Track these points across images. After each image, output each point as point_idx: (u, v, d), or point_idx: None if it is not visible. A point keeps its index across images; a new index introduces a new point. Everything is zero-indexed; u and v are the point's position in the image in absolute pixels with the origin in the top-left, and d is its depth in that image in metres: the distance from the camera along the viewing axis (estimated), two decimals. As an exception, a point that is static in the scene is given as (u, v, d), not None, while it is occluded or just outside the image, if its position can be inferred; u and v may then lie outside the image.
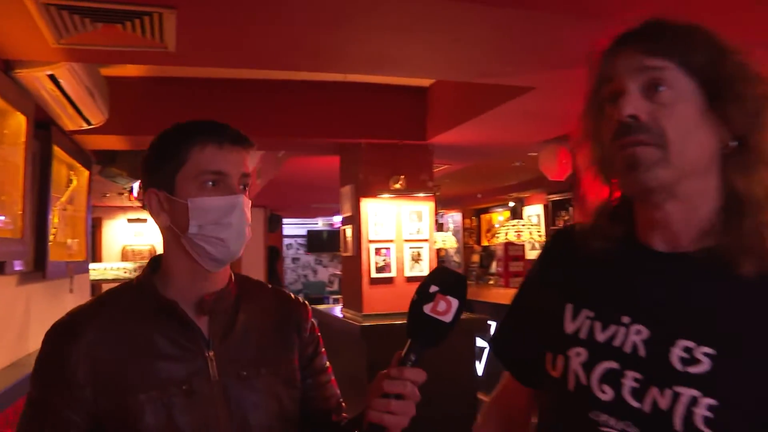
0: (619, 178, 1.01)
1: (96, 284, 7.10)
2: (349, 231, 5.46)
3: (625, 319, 0.97)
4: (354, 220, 5.32)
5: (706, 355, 0.89)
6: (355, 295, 5.30)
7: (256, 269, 9.24)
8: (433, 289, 1.05)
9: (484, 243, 11.14)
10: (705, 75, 0.93)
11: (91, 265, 5.55)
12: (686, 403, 0.88)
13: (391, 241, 5.21)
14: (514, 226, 8.49)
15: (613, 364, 0.96)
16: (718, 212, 0.96)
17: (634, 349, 0.95)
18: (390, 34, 2.86)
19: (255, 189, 8.12)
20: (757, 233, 0.92)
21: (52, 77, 3.06)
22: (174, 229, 1.19)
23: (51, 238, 3.67)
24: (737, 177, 0.94)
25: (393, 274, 5.16)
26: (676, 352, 0.91)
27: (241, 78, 4.73)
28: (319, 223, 16.39)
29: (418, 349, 1.06)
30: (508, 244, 8.88)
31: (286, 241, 15.69)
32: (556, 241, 1.21)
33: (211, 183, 1.16)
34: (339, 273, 13.48)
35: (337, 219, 13.75)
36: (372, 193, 5.18)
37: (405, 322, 1.07)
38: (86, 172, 4.75)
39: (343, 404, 1.39)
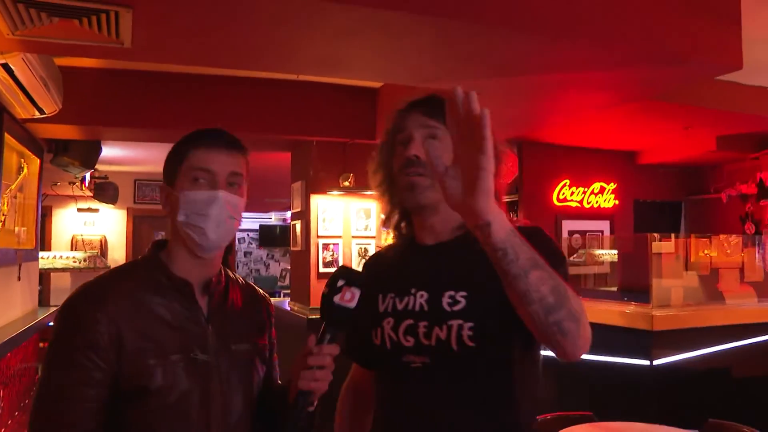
0: (403, 196, 1.49)
1: (45, 273, 7.06)
2: (298, 226, 5.58)
3: (413, 290, 1.45)
4: (304, 215, 5.45)
5: (462, 297, 1.38)
6: (303, 289, 5.43)
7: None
8: (340, 283, 1.32)
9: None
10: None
11: (40, 254, 5.55)
12: (456, 330, 1.35)
13: (339, 237, 5.36)
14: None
15: (410, 321, 1.42)
16: None
17: (421, 307, 1.42)
18: (336, 38, 2.99)
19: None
20: None
21: (5, 66, 3.11)
22: (174, 218, 1.39)
23: (0, 225, 3.71)
24: None
25: (340, 268, 5.29)
26: (445, 300, 1.39)
27: (196, 73, 4.81)
28: (272, 218, 16.37)
29: (332, 331, 1.33)
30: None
31: (238, 234, 15.66)
32: (367, 264, 1.71)
33: (200, 179, 1.36)
34: (290, 268, 13.52)
35: (289, 214, 13.78)
36: (322, 189, 5.32)
37: None
38: (37, 161, 4.77)
39: None
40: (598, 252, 6.74)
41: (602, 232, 7.18)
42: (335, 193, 5.32)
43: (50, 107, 3.92)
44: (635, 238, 6.76)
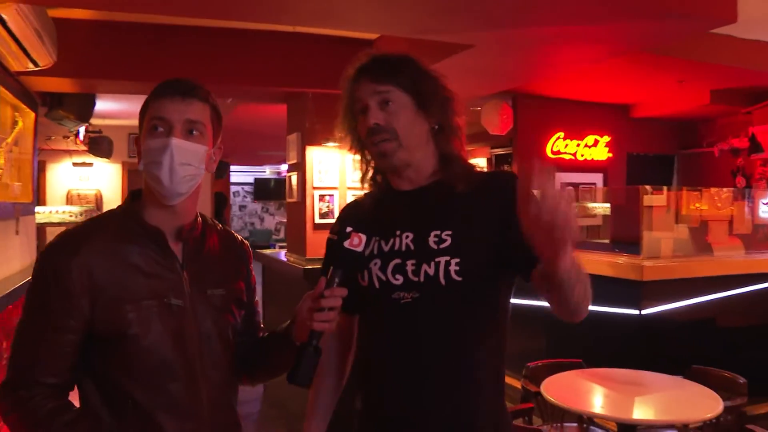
0: (375, 162, 1.60)
1: (41, 227, 7.09)
2: (294, 178, 5.61)
3: (398, 232, 1.53)
4: (299, 167, 5.48)
5: (448, 235, 1.48)
6: (299, 240, 5.49)
7: (202, 215, 9.13)
8: (349, 229, 1.41)
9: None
10: (413, 90, 1.52)
11: (36, 208, 5.57)
12: (444, 265, 1.46)
13: (335, 188, 5.39)
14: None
15: (398, 260, 1.51)
16: (438, 162, 1.58)
17: (407, 247, 1.51)
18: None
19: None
20: (461, 169, 1.56)
21: (-1, 17, 3.10)
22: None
23: (-3, 178, 3.73)
24: (442, 144, 1.57)
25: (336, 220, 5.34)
26: (431, 239, 1.49)
27: (191, 25, 4.77)
28: (267, 171, 16.36)
29: (341, 275, 1.39)
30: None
31: (233, 188, 15.67)
32: (344, 211, 1.77)
33: (158, 128, 1.37)
34: (285, 221, 13.59)
35: (284, 167, 13.78)
36: (317, 141, 5.34)
37: None
38: (32, 114, 4.76)
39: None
40: (590, 205, 6.81)
41: (595, 184, 7.23)
42: (331, 144, 5.33)
43: (44, 60, 3.90)
44: (627, 190, 6.82)
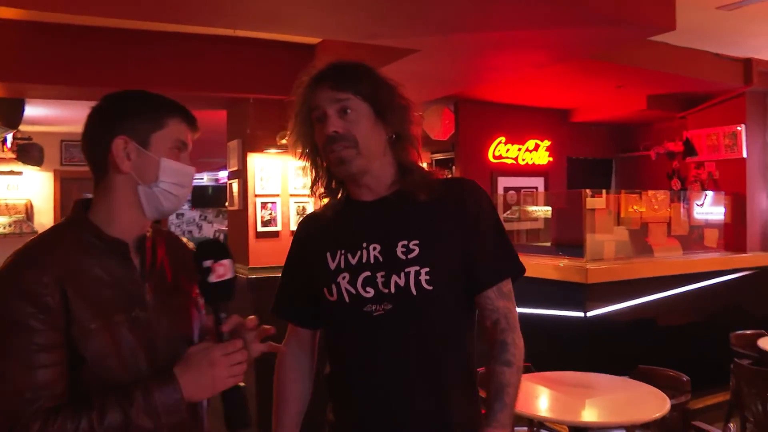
0: (333, 169, 1.57)
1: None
2: (235, 185, 5.49)
3: (364, 245, 1.52)
4: (241, 174, 5.36)
5: (415, 245, 1.49)
6: (241, 249, 5.37)
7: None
8: (207, 263, 1.36)
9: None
10: (372, 99, 1.51)
11: (-39, 218, 5.30)
12: (414, 275, 1.47)
13: (277, 195, 5.30)
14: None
15: (367, 273, 1.50)
16: (397, 172, 1.58)
17: (376, 259, 1.51)
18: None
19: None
20: (421, 178, 1.57)
21: None
22: (133, 177, 1.38)
23: None
24: (399, 153, 1.58)
25: (279, 228, 5.26)
26: (399, 250, 1.49)
27: (127, 28, 4.61)
28: (205, 179, 16.07)
29: (224, 309, 1.39)
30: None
31: (170, 196, 15.29)
32: (302, 224, 1.75)
33: (180, 151, 1.42)
34: (224, 229, 13.35)
35: (222, 174, 13.57)
36: (259, 148, 5.23)
37: None
38: (-44, 120, 4.53)
39: None
40: (531, 209, 6.89)
41: (537, 188, 7.32)
42: (273, 151, 5.23)
43: (-31, 62, 3.71)
44: (568, 194, 6.93)
